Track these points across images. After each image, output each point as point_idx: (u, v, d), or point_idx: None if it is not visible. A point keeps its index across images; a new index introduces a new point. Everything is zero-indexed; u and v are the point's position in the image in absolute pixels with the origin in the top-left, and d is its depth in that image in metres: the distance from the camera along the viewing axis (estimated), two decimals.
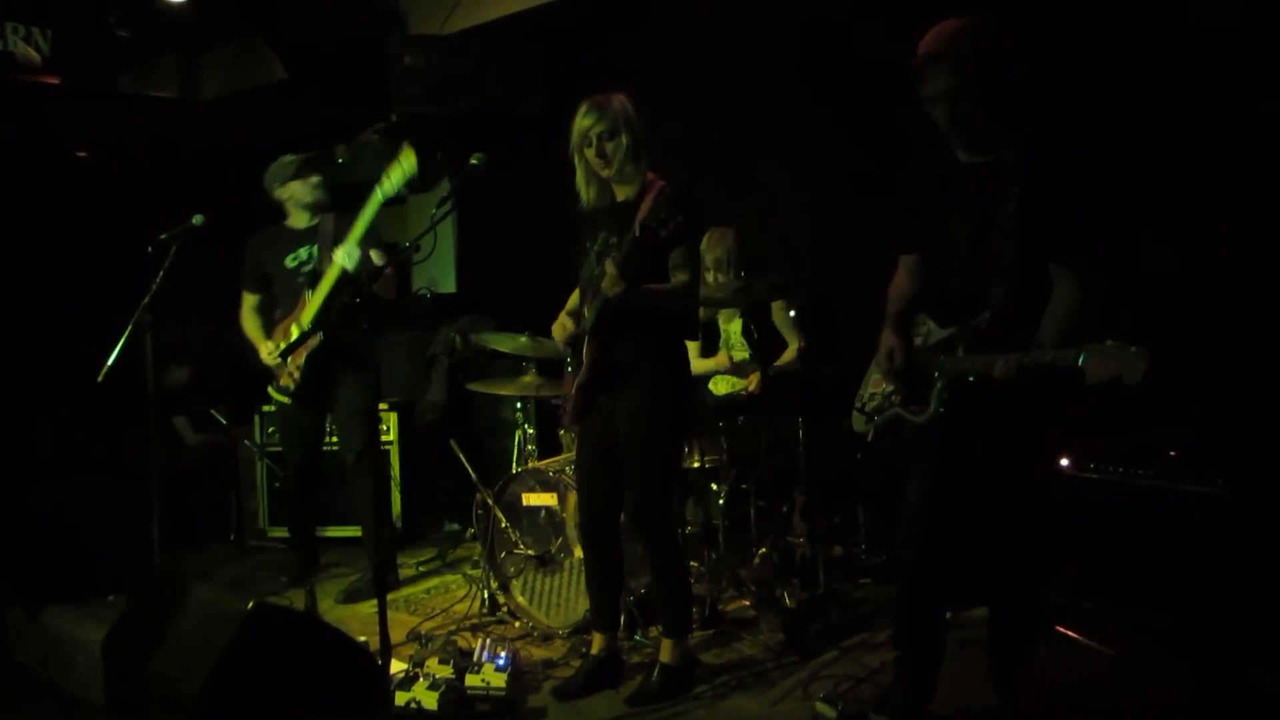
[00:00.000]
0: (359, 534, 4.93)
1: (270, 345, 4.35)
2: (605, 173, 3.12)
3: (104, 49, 5.13)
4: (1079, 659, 3.26)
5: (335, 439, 4.63)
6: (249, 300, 4.52)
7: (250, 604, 2.72)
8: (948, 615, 3.22)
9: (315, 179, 4.41)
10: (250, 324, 4.50)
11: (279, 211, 4.50)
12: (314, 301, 4.24)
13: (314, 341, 4.22)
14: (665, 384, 3.11)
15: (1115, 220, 3.36)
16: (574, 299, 3.34)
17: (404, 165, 3.57)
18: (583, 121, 3.10)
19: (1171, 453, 3.43)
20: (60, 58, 4.78)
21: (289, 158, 4.43)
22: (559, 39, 5.77)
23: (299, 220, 4.44)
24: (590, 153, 3.10)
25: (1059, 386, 2.53)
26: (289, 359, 4.30)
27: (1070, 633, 3.36)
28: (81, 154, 6.46)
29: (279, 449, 5.35)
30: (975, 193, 2.64)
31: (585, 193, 3.21)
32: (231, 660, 2.62)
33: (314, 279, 4.27)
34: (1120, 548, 3.43)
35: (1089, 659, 3.26)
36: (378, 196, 3.85)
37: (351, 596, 4.41)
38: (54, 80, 4.79)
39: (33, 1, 4.70)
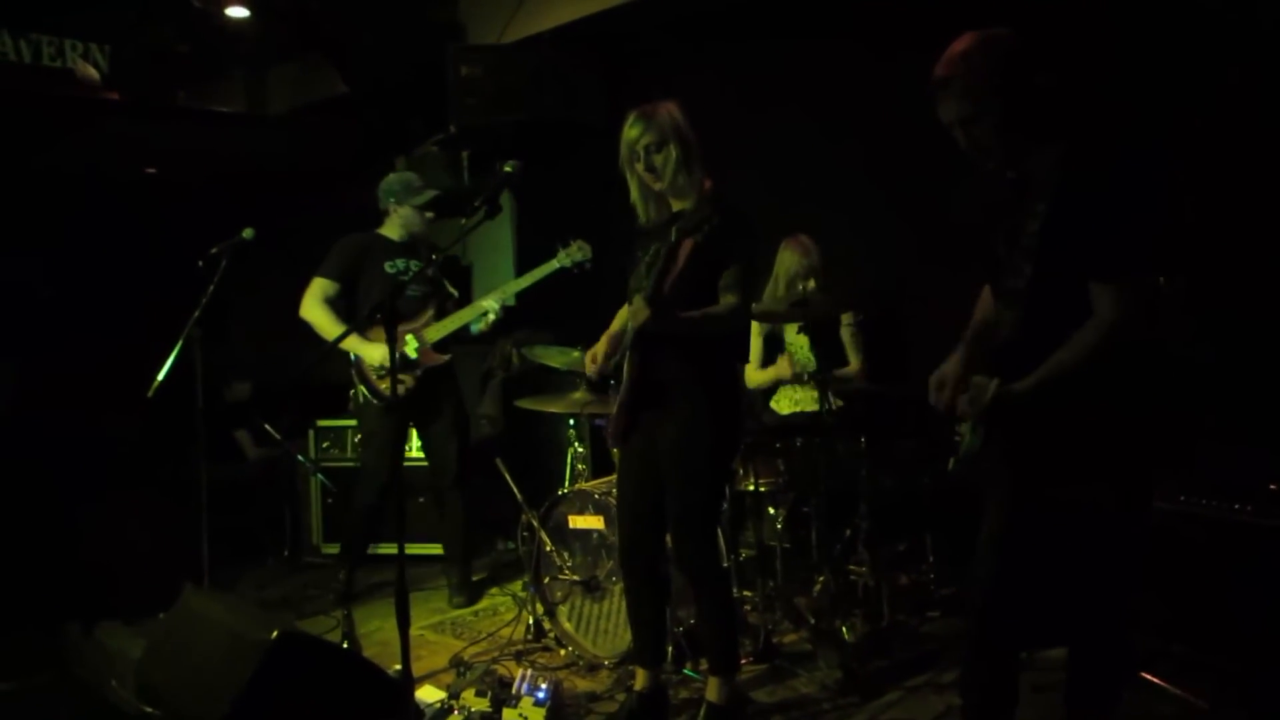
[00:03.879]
0: (432, 551, 4.99)
1: (378, 348, 4.21)
2: (657, 186, 2.96)
3: (163, 65, 5.15)
4: (1167, 710, 2.99)
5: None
6: (325, 288, 4.35)
7: (274, 633, 2.61)
8: (1022, 655, 2.98)
9: (430, 215, 4.52)
10: (322, 313, 4.31)
11: (370, 218, 4.55)
12: (447, 324, 4.34)
13: (440, 359, 4.34)
14: (710, 406, 2.92)
15: (1165, 236, 3.08)
16: (619, 317, 3.19)
17: (583, 251, 4.31)
18: (629, 133, 2.94)
19: (1272, 486, 3.13)
20: (119, 74, 4.80)
21: (414, 178, 4.55)
22: (620, 45, 5.64)
23: (394, 234, 4.49)
24: (640, 166, 2.95)
25: (1080, 414, 2.31)
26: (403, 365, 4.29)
27: (1157, 680, 3.08)
28: (150, 170, 6.54)
29: (337, 463, 5.33)
30: (1010, 210, 2.41)
31: (642, 209, 3.05)
32: (253, 694, 2.52)
33: (441, 300, 4.43)
34: (1215, 588, 3.15)
35: (1178, 710, 2.98)
36: (551, 266, 4.29)
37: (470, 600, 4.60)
38: (114, 96, 4.81)
39: (91, 19, 4.72)
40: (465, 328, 4.37)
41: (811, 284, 3.95)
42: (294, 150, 6.64)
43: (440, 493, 4.56)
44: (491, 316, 4.32)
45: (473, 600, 4.57)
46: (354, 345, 4.25)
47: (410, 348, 4.30)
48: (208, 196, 6.34)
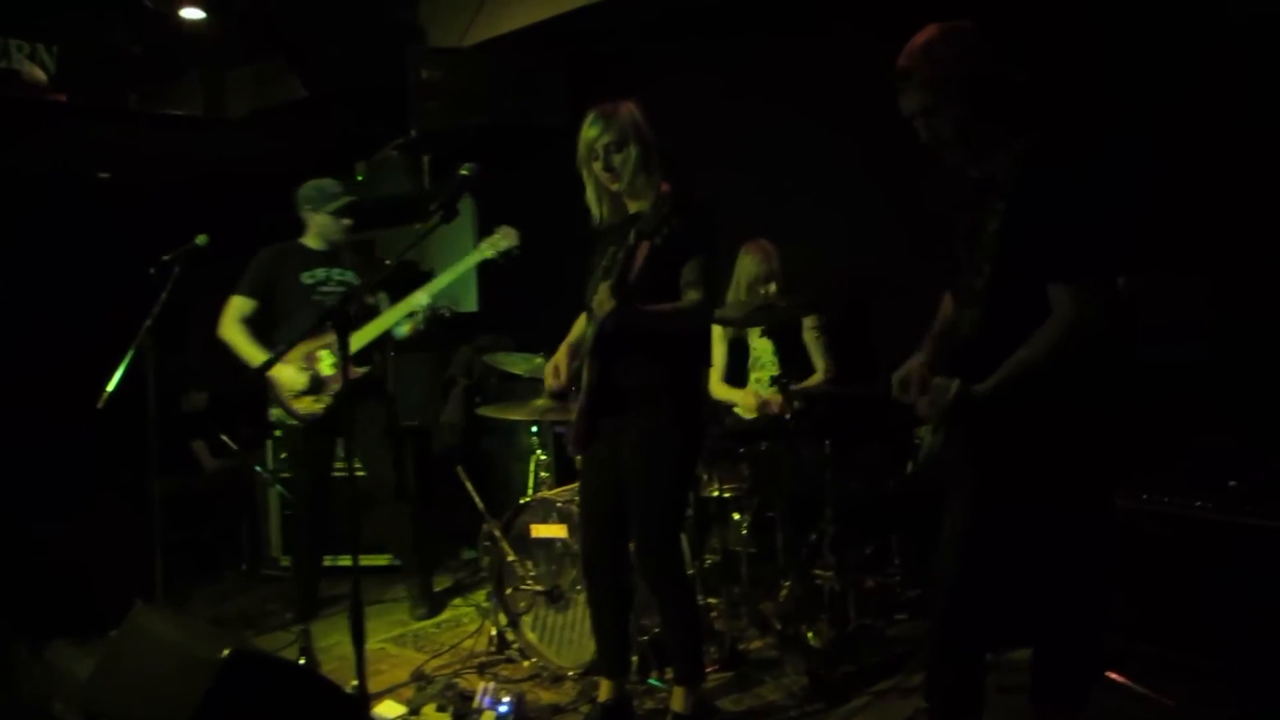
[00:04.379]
0: (380, 562, 4.86)
1: (296, 370, 4.12)
2: (615, 186, 2.92)
3: (114, 66, 5.03)
4: (1135, 709, 2.98)
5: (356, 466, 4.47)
6: (241, 306, 4.26)
7: (226, 652, 2.54)
8: (988, 657, 2.96)
9: (348, 223, 4.38)
10: (239, 332, 4.21)
11: (296, 228, 4.42)
12: (365, 333, 4.13)
13: (358, 372, 4.11)
14: (674, 410, 2.88)
15: (1131, 235, 3.07)
16: (577, 326, 3.14)
17: (508, 238, 4.00)
18: (589, 132, 2.90)
19: (1232, 483, 3.14)
20: (68, 75, 4.67)
21: (331, 184, 4.37)
22: (583, 47, 5.59)
23: (315, 243, 4.38)
24: (598, 166, 2.91)
25: (1040, 412, 2.30)
26: (317, 386, 4.14)
27: (1125, 680, 3.07)
28: (103, 175, 6.40)
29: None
30: (971, 209, 2.39)
31: (596, 209, 3.02)
32: (205, 716, 2.44)
33: (361, 309, 4.20)
34: (1181, 586, 3.15)
35: (1146, 709, 2.97)
36: (473, 258, 4.02)
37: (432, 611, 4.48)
38: (61, 98, 4.68)
39: (39, 19, 4.59)
40: (388, 332, 4.21)
41: (773, 288, 3.92)
42: (252, 154, 6.53)
43: (387, 505, 4.42)
44: (420, 315, 4.15)
45: (435, 611, 4.49)
46: (250, 357, 4.15)
47: (325, 364, 4.15)
48: (165, 200, 6.22)
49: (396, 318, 4.16)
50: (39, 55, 4.63)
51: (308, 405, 4.15)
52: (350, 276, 4.34)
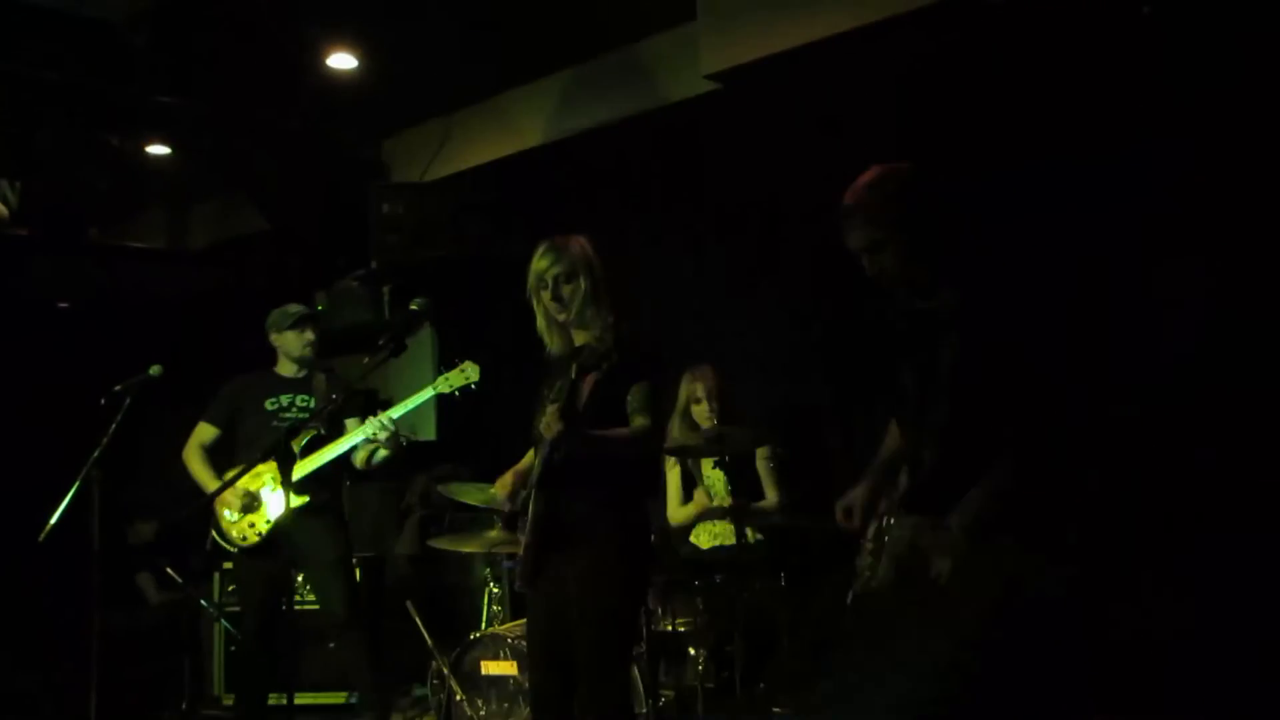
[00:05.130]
0: (335, 700, 4.68)
1: (236, 496, 4.08)
2: (562, 317, 2.95)
3: (78, 201, 5.09)
4: None
5: (310, 597, 4.43)
6: (205, 433, 4.28)
7: None
8: None
9: (309, 335, 4.34)
10: (200, 461, 4.23)
11: (269, 357, 4.42)
12: (310, 462, 4.07)
13: (298, 501, 3.98)
14: (619, 544, 2.84)
15: (1074, 373, 3.13)
16: (526, 459, 3.13)
17: (466, 373, 3.90)
18: (539, 263, 2.96)
19: None
20: (30, 210, 4.72)
21: (294, 308, 4.37)
22: (542, 184, 5.75)
23: (286, 369, 4.37)
24: (547, 296, 2.95)
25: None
26: (250, 512, 4.08)
27: None
28: (63, 304, 6.41)
29: (237, 609, 5.09)
30: (920, 343, 2.44)
31: (548, 339, 3.04)
32: None
33: (307, 440, 4.13)
34: None
35: None
36: (428, 392, 3.96)
37: None
38: (23, 232, 4.73)
39: (4, 154, 4.66)
40: (346, 459, 4.16)
41: (711, 409, 3.95)
42: (213, 285, 6.58)
43: (340, 637, 4.30)
44: (382, 452, 4.12)
45: None
46: (207, 485, 4.17)
47: (266, 489, 4.10)
48: (124, 330, 6.22)
49: (342, 448, 4.10)
50: (2, 190, 4.68)
51: (242, 530, 4.08)
52: (315, 404, 4.27)
